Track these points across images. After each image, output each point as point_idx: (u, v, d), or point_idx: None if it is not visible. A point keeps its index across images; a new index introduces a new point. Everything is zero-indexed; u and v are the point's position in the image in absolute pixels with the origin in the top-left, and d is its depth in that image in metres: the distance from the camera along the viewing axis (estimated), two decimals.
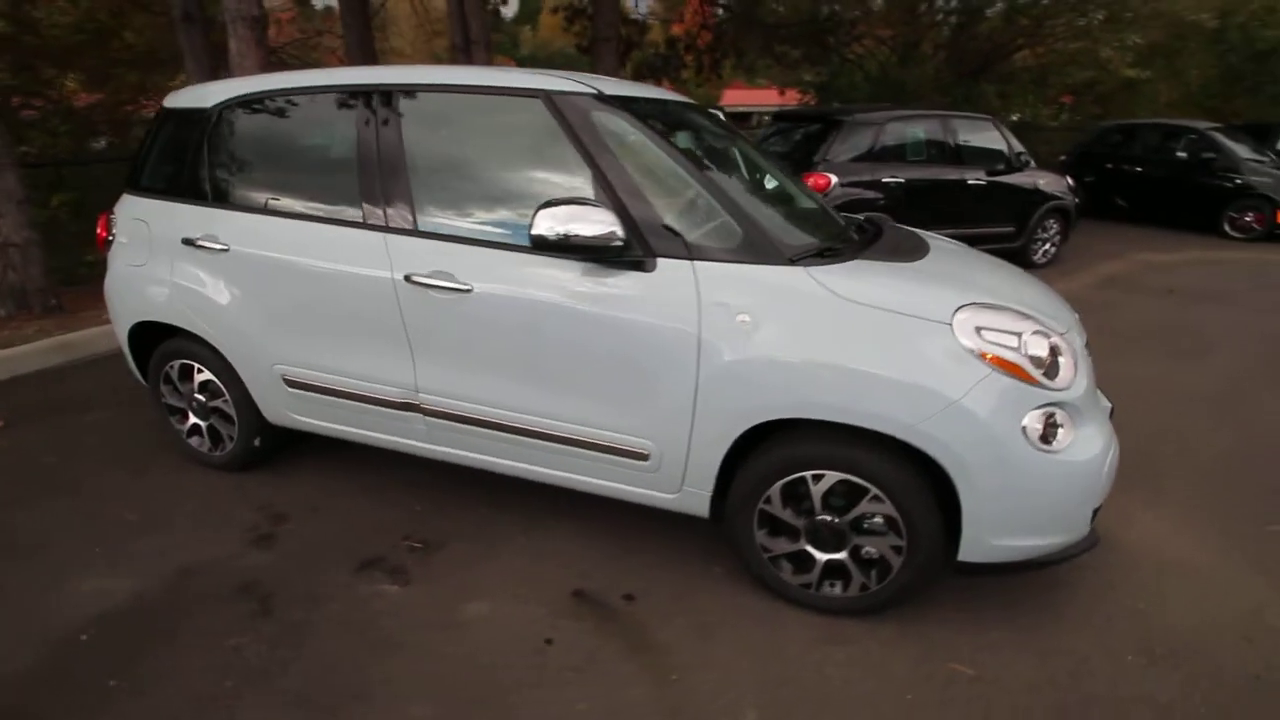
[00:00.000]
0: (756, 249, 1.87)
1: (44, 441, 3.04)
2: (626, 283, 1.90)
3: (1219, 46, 14.16)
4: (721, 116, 3.01)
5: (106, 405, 3.41)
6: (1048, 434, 1.75)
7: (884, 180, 5.68)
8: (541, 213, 1.80)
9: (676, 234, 1.88)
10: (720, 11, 12.17)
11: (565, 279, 1.95)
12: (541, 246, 1.83)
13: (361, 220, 2.19)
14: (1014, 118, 11.55)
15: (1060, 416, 1.77)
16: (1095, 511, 1.88)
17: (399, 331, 2.17)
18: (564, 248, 1.82)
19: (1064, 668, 1.86)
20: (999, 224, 6.38)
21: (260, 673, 1.80)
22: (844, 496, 1.87)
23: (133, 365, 2.86)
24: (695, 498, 2.03)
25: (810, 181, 5.23)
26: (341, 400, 2.36)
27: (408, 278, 2.10)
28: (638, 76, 11.71)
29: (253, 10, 4.57)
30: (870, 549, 1.90)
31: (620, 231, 1.81)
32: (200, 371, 2.63)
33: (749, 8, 11.63)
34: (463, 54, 7.25)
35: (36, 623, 1.97)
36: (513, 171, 2.18)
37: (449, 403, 2.19)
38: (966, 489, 1.74)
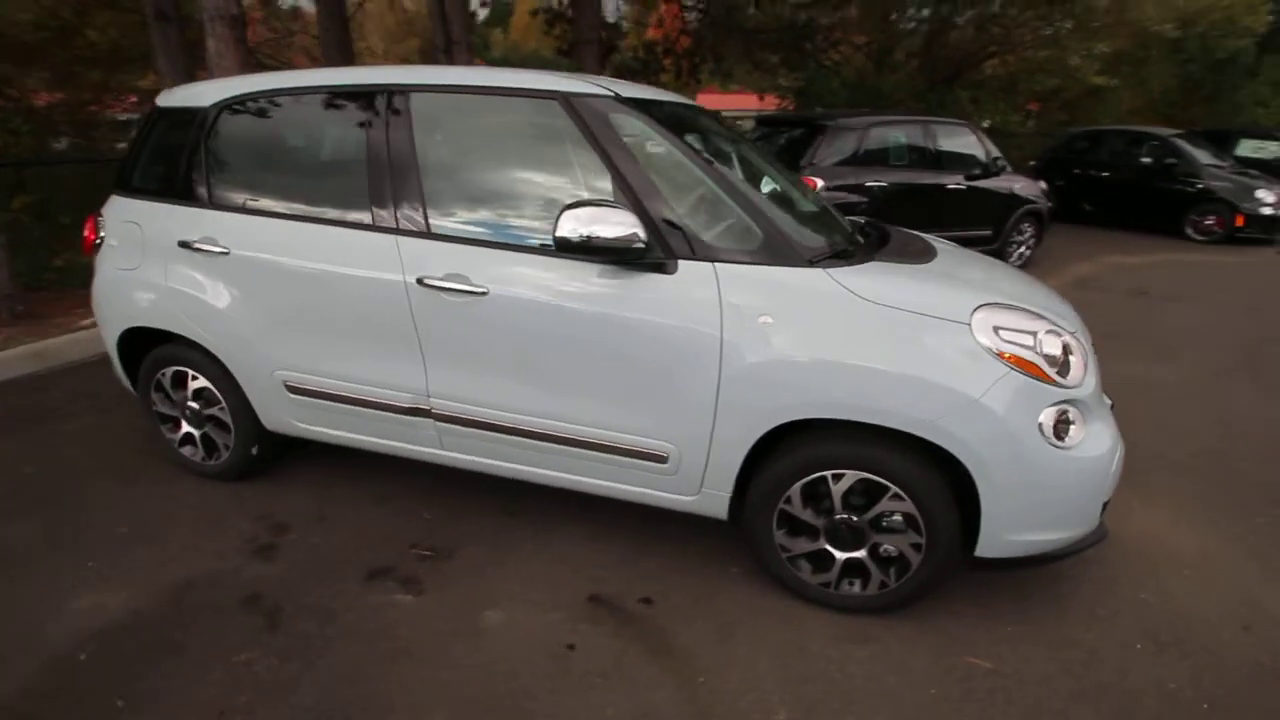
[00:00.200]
0: (776, 251, 1.88)
1: (24, 453, 2.91)
2: (647, 285, 1.89)
3: (1179, 55, 14.71)
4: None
5: (87, 414, 3.28)
6: (1061, 431, 1.79)
7: (867, 184, 5.77)
8: (566, 214, 1.79)
9: (697, 236, 1.89)
10: (695, 17, 12.24)
11: (584, 281, 1.94)
12: (565, 248, 1.81)
13: (371, 222, 2.15)
14: (985, 124, 11.85)
15: (1072, 413, 1.81)
16: (1105, 505, 1.93)
17: (410, 335, 2.13)
18: (587, 249, 1.80)
19: (1076, 658, 1.91)
20: (977, 227, 6.51)
21: (273, 687, 1.75)
22: (863, 495, 1.90)
23: (121, 373, 2.75)
24: (714, 499, 2.03)
25: None
26: (347, 406, 2.31)
27: (420, 280, 2.07)
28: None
29: (231, 9, 4.46)
30: (889, 547, 1.93)
31: (642, 234, 1.80)
32: (195, 379, 2.55)
33: (728, 13, 11.73)
34: (444, 55, 7.19)
35: (32, 641, 1.89)
36: (528, 173, 2.16)
37: (461, 407, 2.16)
38: (985, 485, 1.77)
